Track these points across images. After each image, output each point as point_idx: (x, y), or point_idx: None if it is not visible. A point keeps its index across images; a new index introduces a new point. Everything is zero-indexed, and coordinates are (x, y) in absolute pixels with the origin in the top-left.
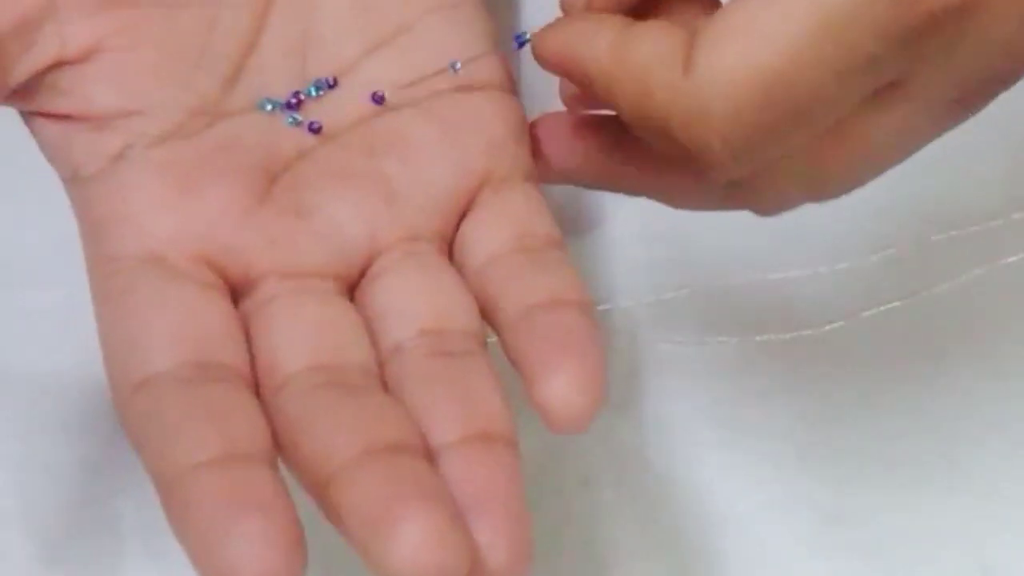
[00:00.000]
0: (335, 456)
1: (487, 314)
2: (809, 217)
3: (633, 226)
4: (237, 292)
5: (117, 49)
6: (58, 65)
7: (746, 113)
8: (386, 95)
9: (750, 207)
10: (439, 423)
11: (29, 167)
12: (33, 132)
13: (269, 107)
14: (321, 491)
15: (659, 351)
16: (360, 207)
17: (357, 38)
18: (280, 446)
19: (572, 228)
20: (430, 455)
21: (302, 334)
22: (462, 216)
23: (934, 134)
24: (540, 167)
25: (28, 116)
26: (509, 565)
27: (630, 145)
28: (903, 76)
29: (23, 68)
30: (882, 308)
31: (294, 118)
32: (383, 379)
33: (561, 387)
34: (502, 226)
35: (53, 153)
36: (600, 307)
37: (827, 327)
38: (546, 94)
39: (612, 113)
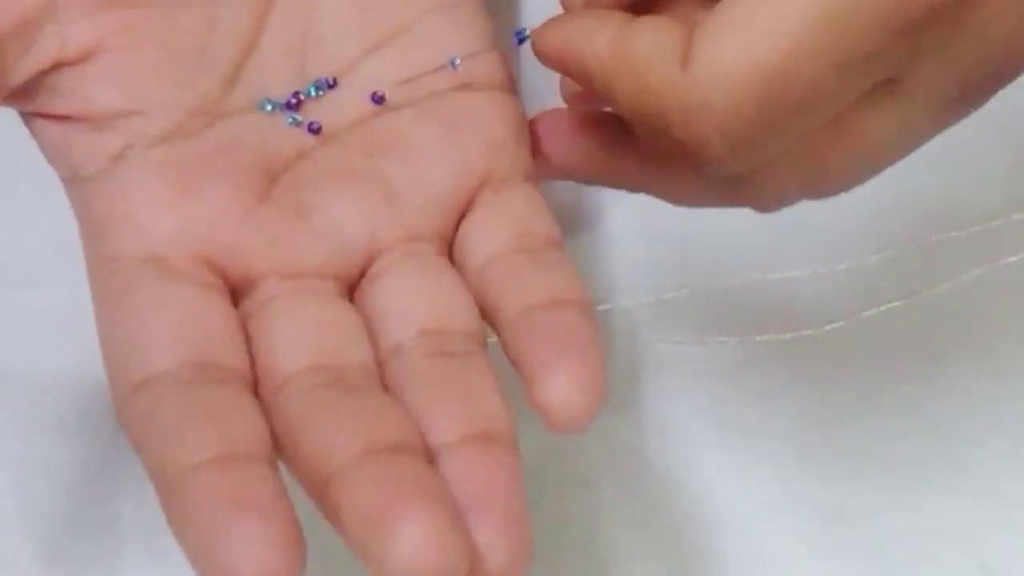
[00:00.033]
0: (335, 456)
1: (487, 314)
2: (809, 217)
3: (633, 225)
4: (237, 292)
5: (117, 49)
6: (58, 65)
7: (744, 108)
8: (386, 95)
9: (749, 203)
10: (439, 423)
11: (29, 167)
12: (33, 132)
13: (269, 107)
14: (321, 491)
15: (659, 351)
16: (360, 207)
17: (357, 38)
18: (280, 446)
19: (572, 227)
20: (430, 455)
21: (302, 334)
22: (462, 216)
23: (934, 131)
24: (540, 163)
25: (28, 116)
26: (509, 565)
27: (630, 141)
28: (902, 71)
29: (23, 68)
30: (882, 308)
31: (294, 118)
32: (383, 379)
33: (561, 387)
34: (502, 226)
35: (53, 153)
36: (600, 307)
37: (827, 327)
38: (546, 93)
39: (612, 110)
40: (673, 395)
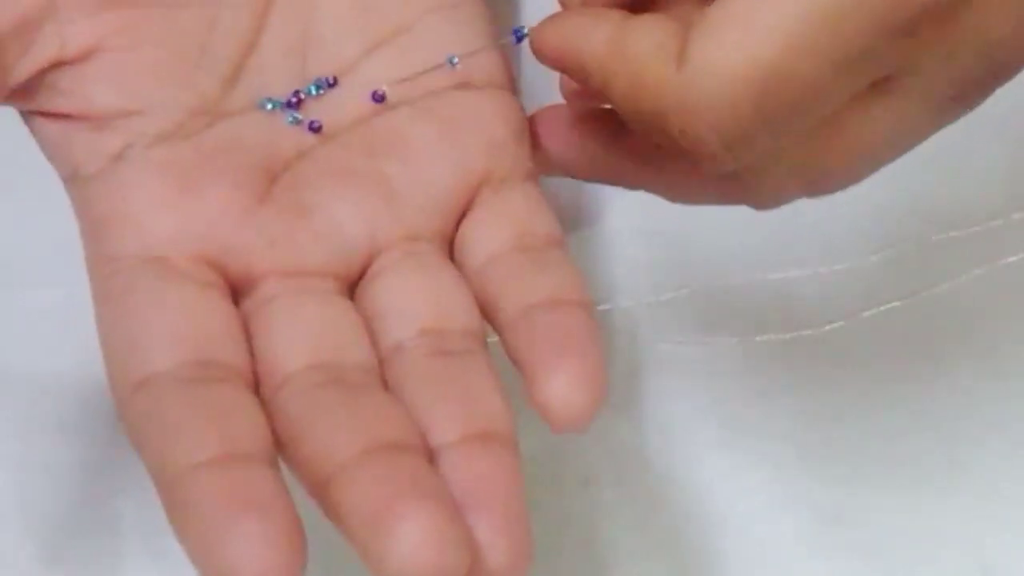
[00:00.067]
0: (335, 455)
1: (487, 313)
2: (809, 216)
3: (633, 224)
4: (237, 291)
5: (117, 49)
6: (58, 65)
7: (740, 105)
8: (386, 93)
9: (747, 201)
10: (439, 422)
11: (29, 167)
12: (33, 131)
13: (269, 106)
14: (321, 490)
15: (659, 351)
16: (360, 207)
17: (357, 38)
18: (280, 445)
19: (571, 226)
20: (430, 455)
21: (302, 333)
22: (462, 216)
23: (931, 129)
24: (539, 160)
25: (28, 115)
26: (509, 564)
27: (628, 138)
28: (899, 69)
29: (23, 68)
30: (882, 308)
31: (294, 117)
32: (383, 378)
33: (561, 386)
34: (502, 225)
35: (53, 152)
36: (600, 307)
37: (827, 327)
38: (546, 91)
39: (611, 107)
40: (673, 395)
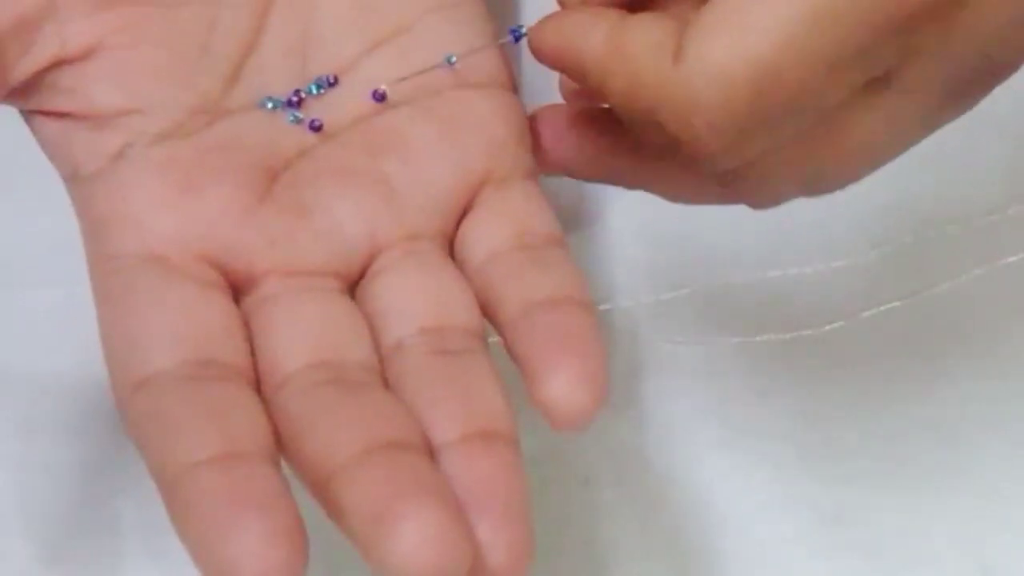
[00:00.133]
0: (336, 454)
1: (488, 312)
2: (808, 215)
3: (633, 224)
4: (238, 290)
5: (117, 48)
6: (58, 64)
7: (736, 103)
8: (387, 92)
9: (745, 200)
10: (440, 421)
11: (29, 166)
12: (33, 131)
13: (270, 105)
14: (322, 489)
15: (659, 351)
16: (361, 205)
17: (357, 38)
18: (282, 444)
19: (572, 226)
20: (431, 453)
21: (303, 332)
22: (463, 215)
23: (928, 129)
24: (538, 159)
25: (28, 115)
26: (509, 564)
27: (627, 138)
28: (896, 68)
29: (23, 67)
30: (882, 308)
31: (295, 116)
32: (384, 377)
33: (562, 385)
34: (502, 224)
35: (53, 152)
36: (600, 307)
37: (827, 327)
38: (546, 91)
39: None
40: (673, 395)
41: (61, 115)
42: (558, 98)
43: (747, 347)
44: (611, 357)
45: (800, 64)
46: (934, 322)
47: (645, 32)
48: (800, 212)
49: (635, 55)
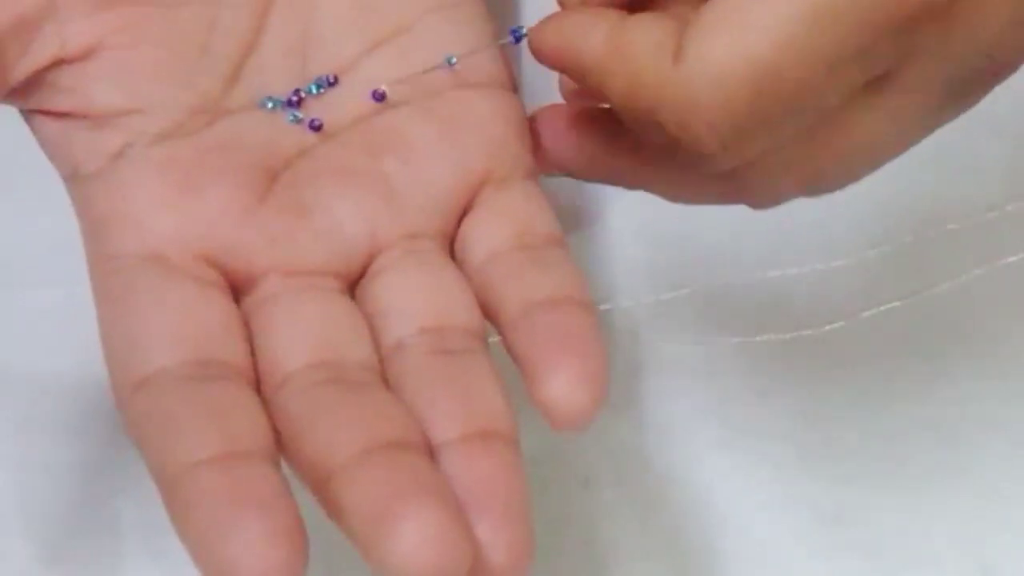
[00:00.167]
0: (336, 453)
1: (488, 312)
2: (808, 214)
3: (633, 224)
4: (238, 290)
5: (117, 47)
6: (58, 63)
7: (735, 103)
8: (387, 92)
9: (745, 200)
10: (440, 421)
11: (29, 166)
12: (33, 130)
13: (270, 105)
14: (322, 488)
15: (659, 351)
16: (361, 205)
17: (357, 38)
18: (282, 444)
19: (572, 226)
20: (431, 453)
21: (303, 331)
22: (463, 215)
23: (928, 128)
24: (538, 159)
25: (28, 114)
26: (510, 563)
27: (627, 138)
28: (895, 67)
29: (23, 66)
30: (882, 308)
31: (295, 115)
32: (384, 377)
33: (562, 385)
34: (503, 224)
35: (53, 151)
36: (600, 307)
37: (827, 327)
38: (546, 91)
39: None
40: (673, 395)
41: (61, 115)
42: (558, 98)
43: (747, 347)
44: (611, 357)
45: (800, 64)
46: (934, 322)
47: (645, 32)
48: (800, 212)
49: (635, 55)
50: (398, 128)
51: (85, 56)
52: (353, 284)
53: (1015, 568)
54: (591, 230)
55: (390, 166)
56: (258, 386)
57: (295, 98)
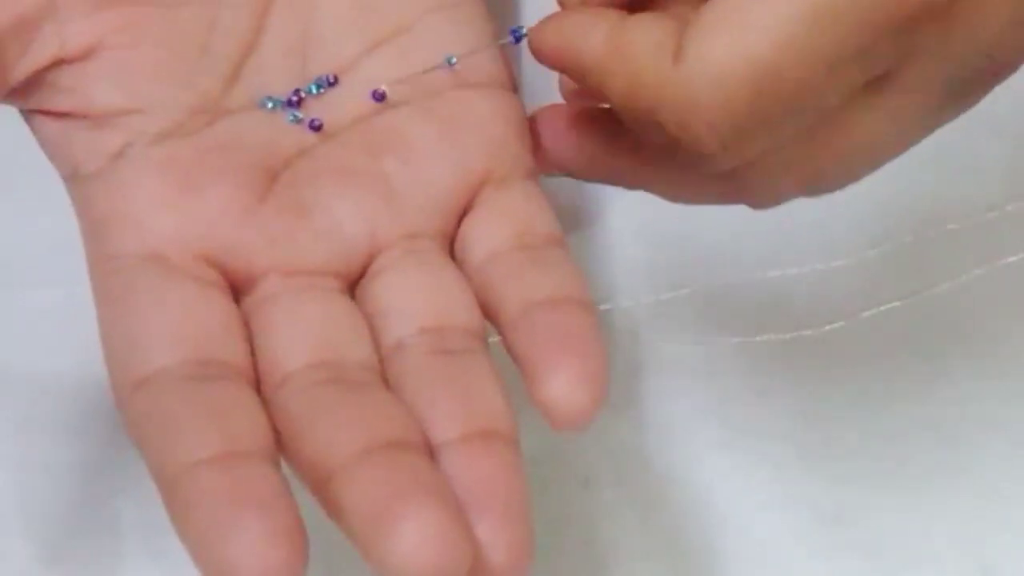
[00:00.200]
0: (336, 453)
1: (488, 312)
2: (808, 214)
3: (633, 224)
4: (238, 290)
5: (117, 47)
6: (58, 63)
7: (735, 103)
8: (387, 92)
9: (745, 201)
10: (440, 421)
11: (29, 166)
12: (33, 130)
13: (270, 105)
14: (322, 488)
15: (659, 351)
16: (360, 205)
17: (357, 38)
18: (281, 443)
19: (572, 226)
20: (431, 453)
21: (303, 331)
22: (463, 215)
23: (929, 128)
24: (538, 159)
25: (28, 114)
26: (510, 563)
27: (627, 138)
28: (895, 67)
29: (23, 66)
30: (882, 308)
31: (295, 115)
32: (384, 377)
33: (562, 385)
34: (502, 224)
35: (53, 151)
36: (600, 307)
37: (827, 327)
38: (546, 91)
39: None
40: (673, 395)
41: (61, 115)
42: (558, 98)
43: (747, 347)
44: (611, 357)
45: (800, 64)
46: (934, 322)
47: (645, 32)
48: (800, 212)
49: (635, 55)
50: (398, 128)
51: (85, 56)
52: (353, 284)
53: (1015, 568)
54: (591, 230)
55: (390, 166)
56: (258, 386)
57: (295, 98)
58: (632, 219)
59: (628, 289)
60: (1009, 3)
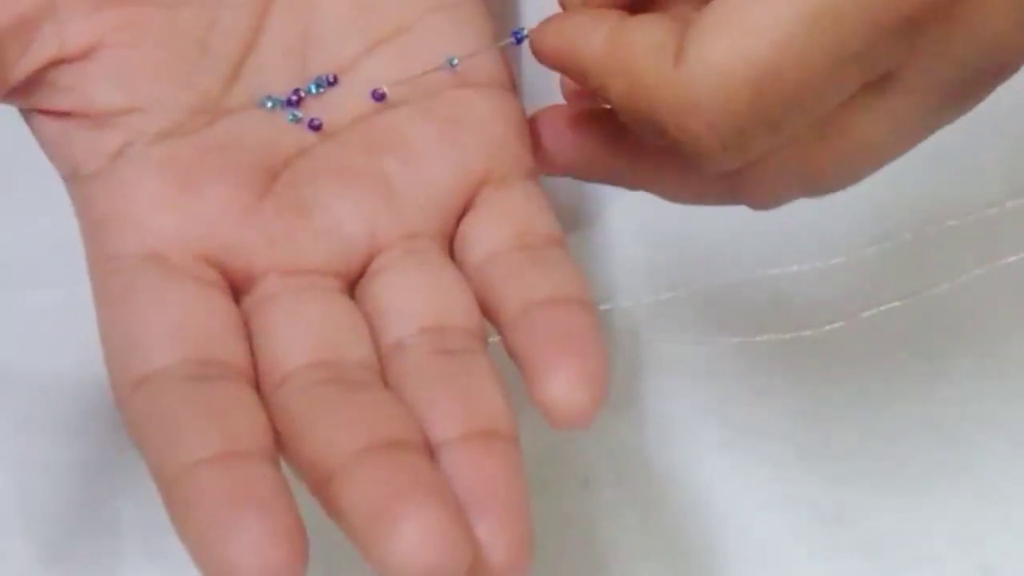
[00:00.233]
0: (336, 453)
1: (488, 312)
2: (808, 214)
3: (633, 224)
4: (238, 289)
5: (117, 47)
6: (58, 63)
7: (736, 104)
8: (387, 92)
9: (746, 201)
10: (440, 420)
11: (29, 166)
12: (33, 130)
13: (270, 104)
14: (322, 488)
15: (659, 351)
16: (360, 205)
17: (357, 38)
18: (281, 443)
19: (571, 225)
20: (431, 452)
21: (303, 331)
22: (462, 214)
23: (930, 128)
24: (539, 160)
25: (28, 114)
26: (509, 562)
27: (628, 138)
28: (897, 68)
29: (23, 66)
30: (882, 308)
31: (294, 115)
32: (384, 376)
33: (562, 385)
34: (502, 224)
35: (53, 151)
36: (600, 307)
37: (827, 327)
38: (546, 91)
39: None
40: (673, 395)
41: (61, 114)
42: (558, 98)
43: (747, 347)
44: (611, 357)
45: (800, 64)
46: (934, 322)
47: (646, 33)
48: (800, 212)
49: (636, 56)
50: (398, 128)
51: (85, 55)
52: (353, 284)
53: (1015, 568)
54: (591, 230)
55: (390, 166)
56: (258, 386)
57: (295, 97)
58: (632, 219)
59: (628, 289)
60: (1010, 4)
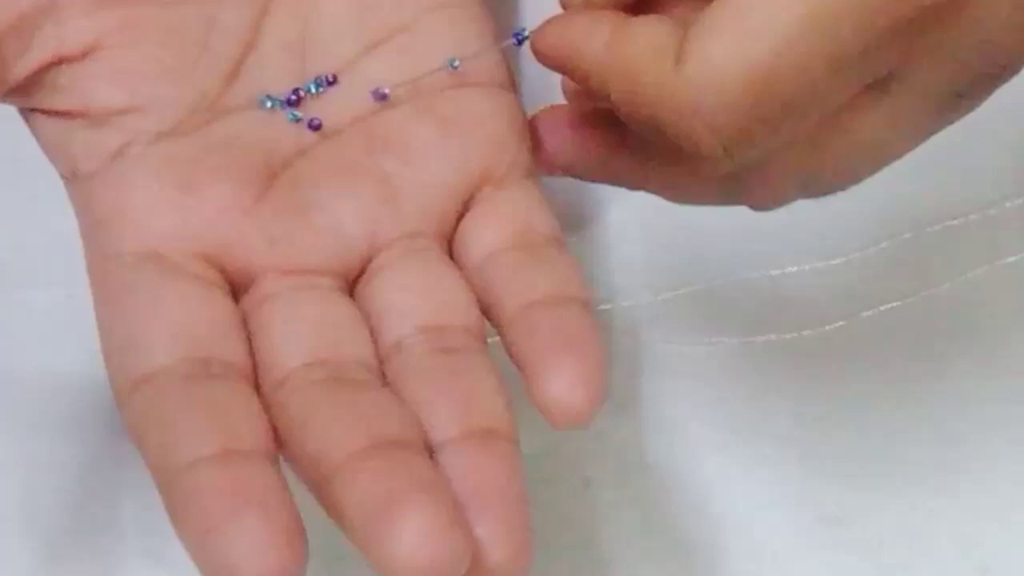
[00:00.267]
0: (335, 452)
1: (488, 311)
2: (808, 213)
3: (633, 224)
4: (237, 289)
5: (117, 46)
6: (57, 62)
7: (736, 106)
8: (388, 92)
9: (747, 202)
10: (439, 419)
11: (29, 166)
12: (32, 129)
13: (269, 104)
14: (322, 487)
15: (659, 351)
16: (360, 204)
17: (357, 37)
18: (281, 442)
19: (572, 225)
20: (431, 451)
21: (302, 330)
22: (462, 214)
23: (931, 130)
24: (539, 160)
25: (27, 113)
26: (509, 561)
27: (629, 139)
28: (897, 70)
29: (22, 65)
30: (882, 308)
31: (294, 114)
32: (383, 376)
33: (562, 384)
34: (502, 223)
35: (52, 150)
36: (600, 307)
37: (827, 327)
38: (546, 91)
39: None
40: (673, 395)
41: (60, 114)
42: (558, 98)
43: (747, 347)
44: (611, 357)
45: (800, 67)
46: (934, 322)
47: (647, 35)
48: (800, 212)
49: (637, 58)
50: (397, 127)
51: (84, 55)
52: (352, 283)
53: (1015, 568)
54: (591, 230)
55: (389, 165)
56: (257, 385)
57: (294, 97)
58: (632, 219)
59: (628, 289)
60: (1009, 6)
